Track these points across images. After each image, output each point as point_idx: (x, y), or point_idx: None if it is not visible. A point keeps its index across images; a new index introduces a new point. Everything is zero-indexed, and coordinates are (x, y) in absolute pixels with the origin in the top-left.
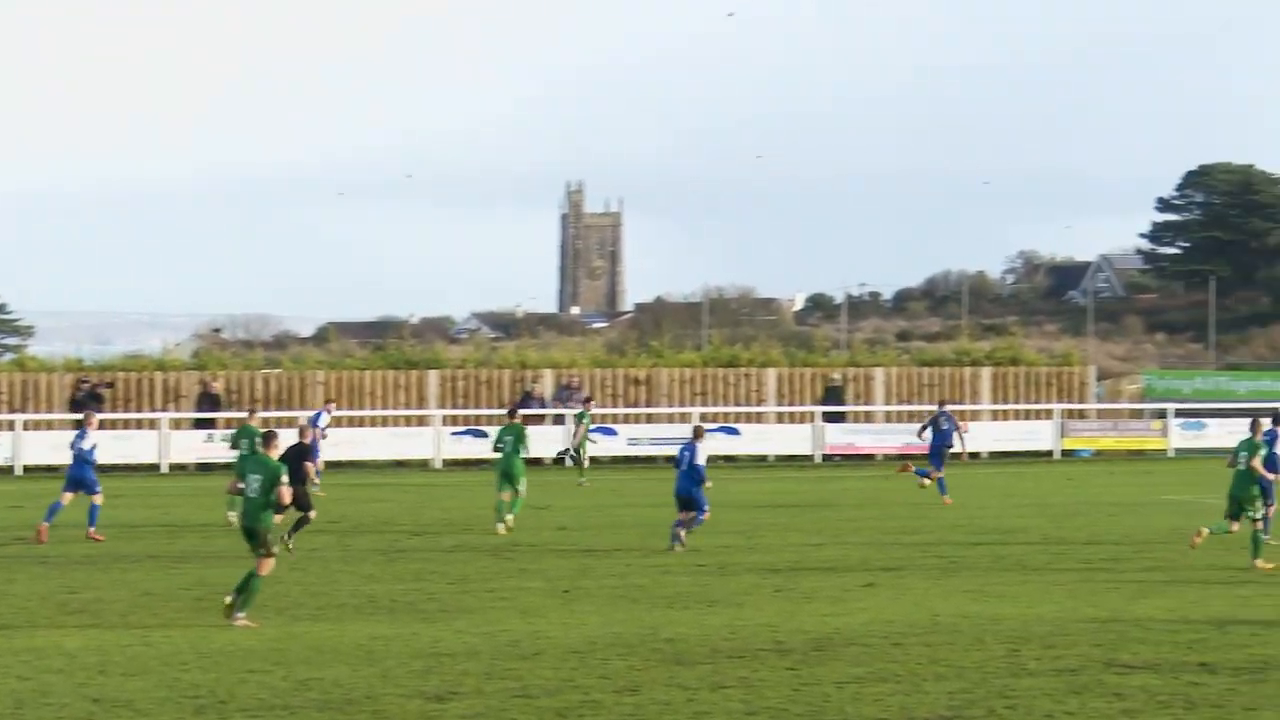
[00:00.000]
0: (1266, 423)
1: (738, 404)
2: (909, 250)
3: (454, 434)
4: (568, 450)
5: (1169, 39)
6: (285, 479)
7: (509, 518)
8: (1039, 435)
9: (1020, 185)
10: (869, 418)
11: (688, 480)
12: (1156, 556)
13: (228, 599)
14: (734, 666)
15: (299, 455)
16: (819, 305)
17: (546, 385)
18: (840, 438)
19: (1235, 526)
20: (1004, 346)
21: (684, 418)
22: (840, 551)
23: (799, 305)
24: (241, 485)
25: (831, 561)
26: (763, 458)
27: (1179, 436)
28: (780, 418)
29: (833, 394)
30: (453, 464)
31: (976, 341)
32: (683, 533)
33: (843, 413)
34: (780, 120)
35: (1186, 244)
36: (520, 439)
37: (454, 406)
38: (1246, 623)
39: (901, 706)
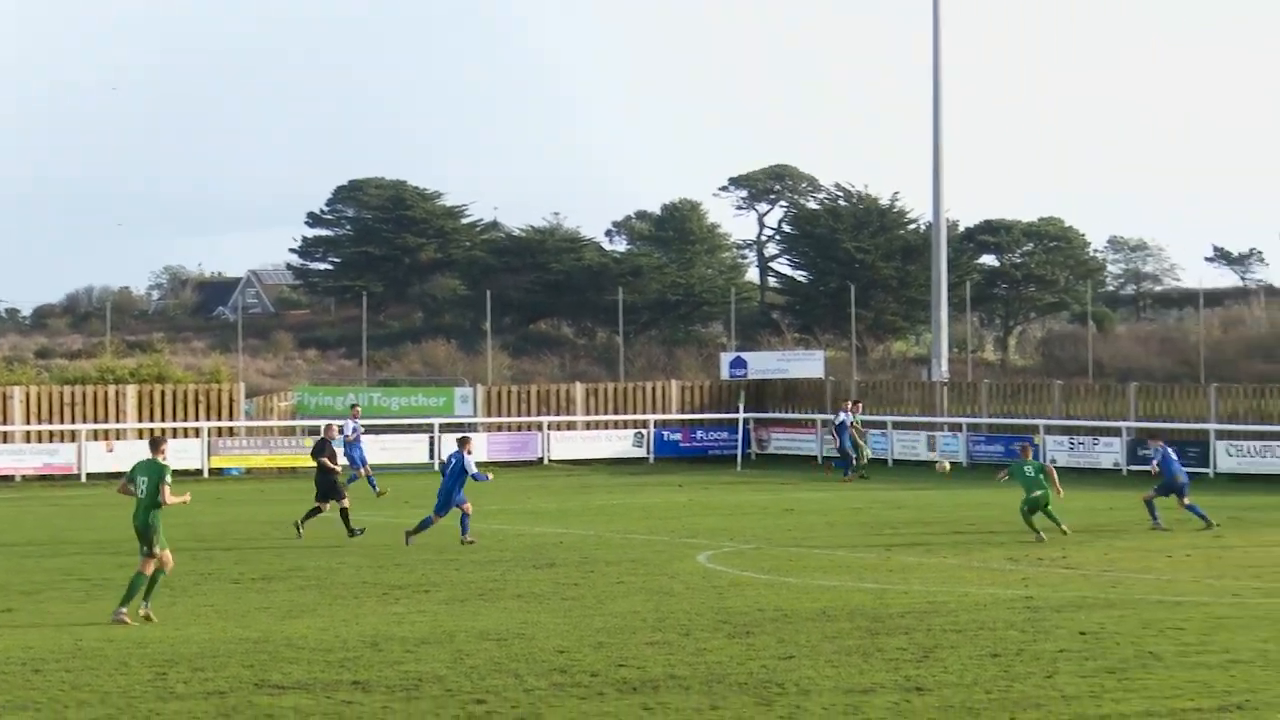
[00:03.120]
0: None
1: None
2: (48, 266)
3: None
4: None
5: (312, 54)
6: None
7: None
8: (187, 454)
9: (165, 200)
10: (7, 438)
11: (451, 482)
12: (308, 575)
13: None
14: None
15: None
16: None
17: None
18: None
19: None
20: (150, 364)
21: None
22: None
23: None
24: (131, 487)
25: None
26: None
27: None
28: None
29: None
30: None
31: (121, 359)
32: (466, 535)
33: None
34: None
35: (338, 260)
36: None
37: None
38: (400, 639)
39: None
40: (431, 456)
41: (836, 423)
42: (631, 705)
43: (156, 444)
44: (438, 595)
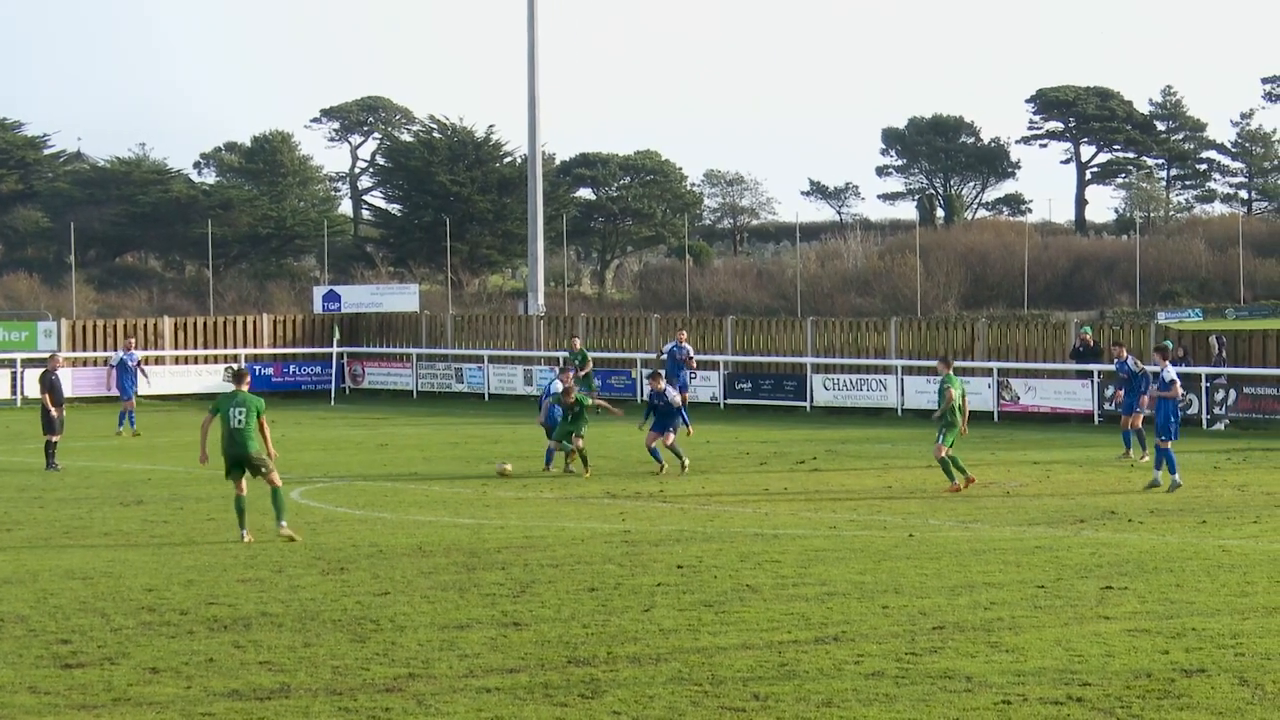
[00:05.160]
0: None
1: None
2: None
3: None
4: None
5: None
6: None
7: None
8: None
9: None
10: None
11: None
12: None
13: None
14: None
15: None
16: None
17: None
18: None
19: None
20: None
21: None
22: None
23: None
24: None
25: None
26: None
27: None
28: None
29: None
30: None
31: None
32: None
33: None
34: None
35: None
36: None
37: None
38: None
39: None
40: (14, 392)
41: (667, 352)
42: (223, 643)
43: (241, 376)
44: (20, 534)
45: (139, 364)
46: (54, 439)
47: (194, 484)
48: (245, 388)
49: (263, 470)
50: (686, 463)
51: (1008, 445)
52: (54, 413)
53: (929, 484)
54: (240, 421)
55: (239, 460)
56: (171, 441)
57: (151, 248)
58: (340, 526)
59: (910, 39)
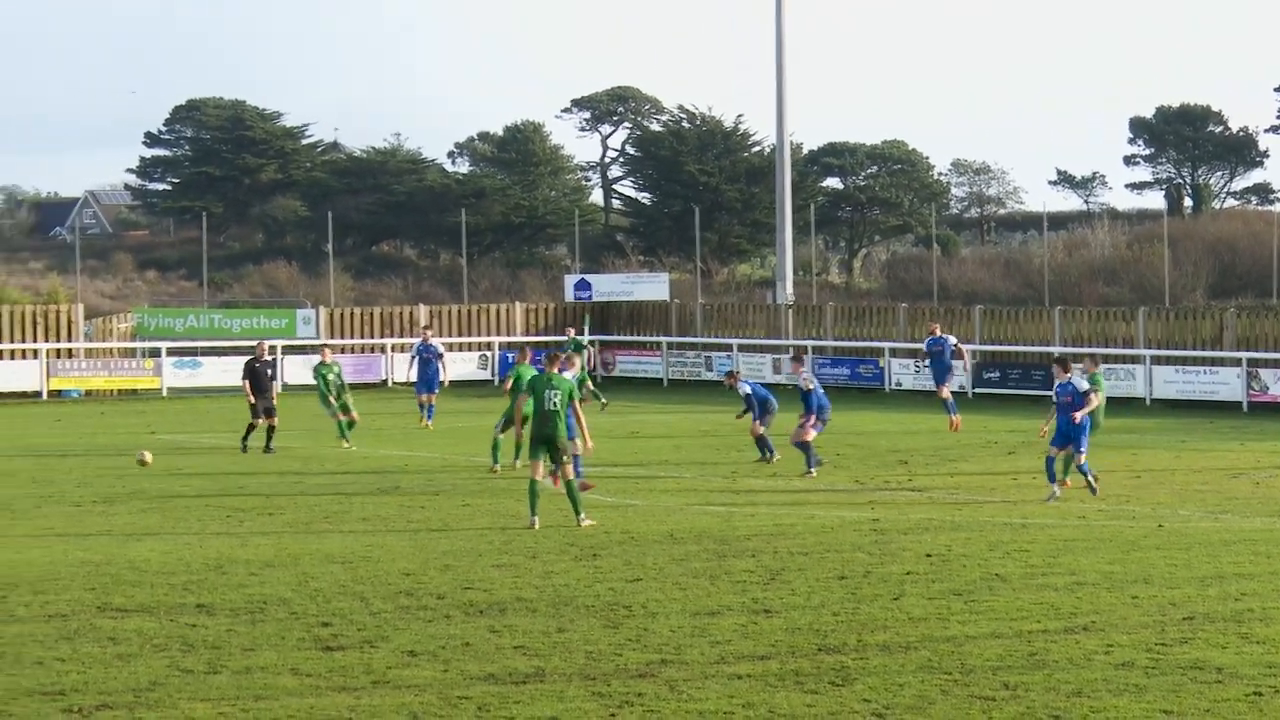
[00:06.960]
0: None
1: None
2: None
3: None
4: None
5: None
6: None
7: None
8: (25, 375)
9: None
10: None
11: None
12: (150, 498)
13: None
14: None
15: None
16: None
17: None
18: None
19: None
20: None
21: None
22: None
23: None
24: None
25: None
26: None
27: (172, 375)
28: None
29: None
30: None
31: None
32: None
33: None
34: None
35: (177, 180)
36: None
37: None
38: (244, 562)
39: None
40: (274, 378)
41: (942, 347)
42: (478, 627)
43: (554, 359)
44: (282, 518)
45: (439, 355)
46: (271, 422)
47: (450, 471)
48: (557, 369)
49: (563, 457)
50: (773, 457)
51: (1258, 436)
52: (252, 400)
53: (1177, 475)
54: (554, 404)
55: (546, 441)
56: (427, 428)
57: (406, 236)
58: (592, 513)
59: (1158, 27)
